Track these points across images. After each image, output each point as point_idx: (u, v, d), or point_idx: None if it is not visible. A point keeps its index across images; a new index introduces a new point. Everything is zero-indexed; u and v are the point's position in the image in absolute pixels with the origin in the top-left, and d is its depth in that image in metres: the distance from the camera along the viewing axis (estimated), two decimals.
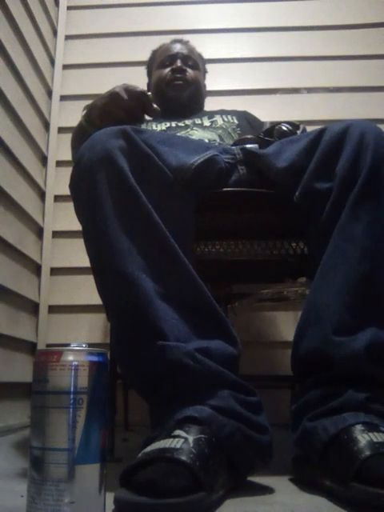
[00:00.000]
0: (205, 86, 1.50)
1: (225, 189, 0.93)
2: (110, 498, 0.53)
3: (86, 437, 0.50)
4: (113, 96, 0.97)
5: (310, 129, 0.96)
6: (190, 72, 1.39)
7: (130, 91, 0.97)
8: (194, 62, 1.43)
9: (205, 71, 1.53)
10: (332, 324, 0.72)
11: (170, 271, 0.75)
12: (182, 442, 0.60)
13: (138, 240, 0.74)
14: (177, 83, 1.37)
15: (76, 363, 0.50)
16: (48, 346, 1.66)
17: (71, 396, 0.50)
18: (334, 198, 0.79)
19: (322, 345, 0.72)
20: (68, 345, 0.52)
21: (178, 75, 1.37)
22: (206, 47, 1.59)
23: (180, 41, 1.47)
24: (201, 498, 0.55)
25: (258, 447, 0.69)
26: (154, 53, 1.49)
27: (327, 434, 0.65)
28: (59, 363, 0.50)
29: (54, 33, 1.98)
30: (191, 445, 0.59)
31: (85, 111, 1.04)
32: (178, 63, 1.38)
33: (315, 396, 0.72)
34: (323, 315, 0.74)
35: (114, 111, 0.96)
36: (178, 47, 1.44)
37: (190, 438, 0.61)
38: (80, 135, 1.04)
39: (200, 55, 1.51)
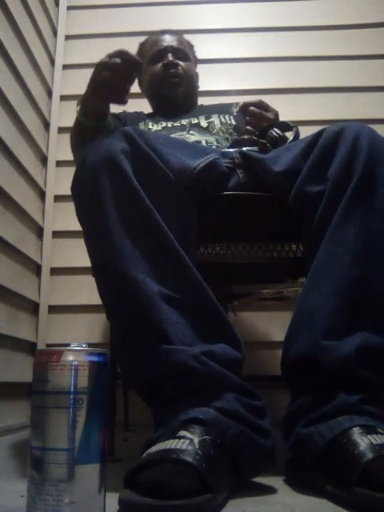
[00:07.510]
0: (197, 75, 1.47)
1: (225, 192, 0.93)
2: (109, 498, 0.53)
3: (85, 437, 0.50)
4: (99, 67, 0.89)
5: (309, 129, 0.96)
6: (182, 65, 1.36)
7: (122, 55, 0.87)
8: (185, 53, 1.41)
9: (195, 59, 1.49)
10: (322, 328, 0.71)
11: (174, 274, 0.74)
12: (188, 443, 0.59)
13: (142, 243, 0.74)
14: (171, 81, 1.34)
15: (76, 363, 0.50)
16: (48, 345, 1.66)
17: (71, 396, 0.50)
18: (326, 200, 0.78)
19: (312, 349, 0.71)
20: (68, 345, 0.52)
21: (172, 71, 1.34)
22: (205, 47, 1.58)
23: (168, 32, 1.43)
24: (207, 500, 0.55)
25: (261, 451, 0.68)
26: (143, 46, 1.46)
27: (324, 440, 0.65)
28: (59, 363, 0.50)
29: (54, 33, 1.98)
30: (197, 446, 0.59)
31: (78, 106, 1.02)
32: (170, 57, 1.35)
33: (307, 402, 0.71)
34: (313, 319, 0.73)
35: (105, 79, 0.88)
36: (167, 39, 1.40)
37: (196, 439, 0.60)
38: (79, 132, 1.03)
39: (189, 43, 1.48)
